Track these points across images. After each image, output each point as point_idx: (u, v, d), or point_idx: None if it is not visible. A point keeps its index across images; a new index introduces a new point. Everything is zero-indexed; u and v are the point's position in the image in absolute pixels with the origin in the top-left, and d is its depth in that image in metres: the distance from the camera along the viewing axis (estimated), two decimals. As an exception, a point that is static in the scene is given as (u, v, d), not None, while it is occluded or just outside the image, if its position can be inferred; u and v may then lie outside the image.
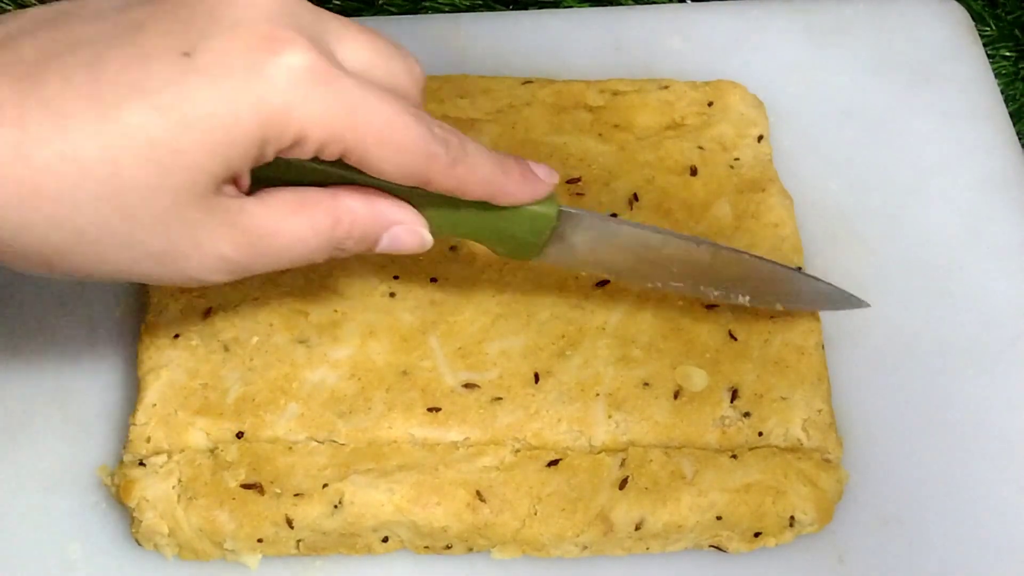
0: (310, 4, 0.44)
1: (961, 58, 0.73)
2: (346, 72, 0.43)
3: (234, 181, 0.44)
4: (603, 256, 0.53)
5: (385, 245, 0.48)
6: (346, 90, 0.42)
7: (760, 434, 0.55)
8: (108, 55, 0.40)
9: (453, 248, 0.60)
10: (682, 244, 0.54)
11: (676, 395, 0.56)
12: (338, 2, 0.79)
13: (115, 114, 0.40)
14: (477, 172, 0.47)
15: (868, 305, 0.58)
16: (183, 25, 0.41)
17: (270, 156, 0.43)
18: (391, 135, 0.43)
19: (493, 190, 0.48)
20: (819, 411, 0.56)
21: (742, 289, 0.56)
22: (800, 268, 0.60)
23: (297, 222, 0.45)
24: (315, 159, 0.44)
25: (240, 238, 0.44)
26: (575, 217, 0.52)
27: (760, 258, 0.56)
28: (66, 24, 0.42)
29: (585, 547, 0.54)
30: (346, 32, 0.45)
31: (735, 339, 0.57)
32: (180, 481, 0.53)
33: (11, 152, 0.39)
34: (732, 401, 0.56)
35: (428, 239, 0.49)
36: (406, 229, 0.48)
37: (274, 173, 0.45)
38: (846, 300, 0.58)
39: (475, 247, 0.60)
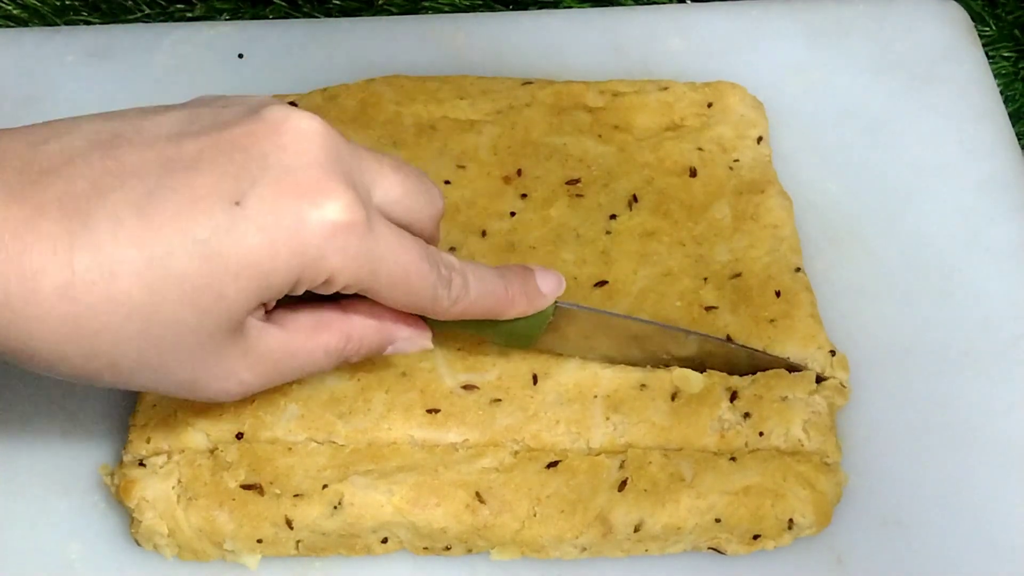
0: (350, 144, 0.46)
1: (961, 58, 0.73)
2: (377, 220, 0.45)
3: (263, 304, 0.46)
4: (595, 344, 0.56)
5: (388, 352, 0.51)
6: (375, 242, 0.45)
7: (761, 434, 0.55)
8: (159, 196, 0.41)
9: (452, 249, 0.60)
10: (671, 335, 0.56)
11: (673, 397, 0.56)
12: (338, 2, 0.79)
13: (163, 261, 0.41)
14: (476, 305, 0.50)
15: None
16: (235, 168, 0.42)
17: (300, 292, 0.45)
18: (404, 281, 0.46)
19: (494, 313, 0.51)
20: (819, 412, 0.56)
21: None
22: (799, 269, 0.60)
23: (312, 345, 0.48)
24: None
25: (259, 365, 0.46)
26: (570, 312, 0.54)
27: (745, 347, 0.57)
28: (119, 151, 0.42)
29: (584, 549, 0.54)
30: (380, 170, 0.47)
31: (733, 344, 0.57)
32: (180, 481, 0.53)
33: (58, 292, 0.40)
34: (731, 401, 0.56)
35: (429, 347, 0.51)
36: (409, 342, 0.51)
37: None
38: None
39: (475, 247, 0.60)
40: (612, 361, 0.56)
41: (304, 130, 0.44)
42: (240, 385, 0.46)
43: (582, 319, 0.54)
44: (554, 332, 0.54)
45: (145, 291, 0.41)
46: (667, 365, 0.56)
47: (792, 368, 0.57)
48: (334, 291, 0.46)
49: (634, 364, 0.57)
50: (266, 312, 0.47)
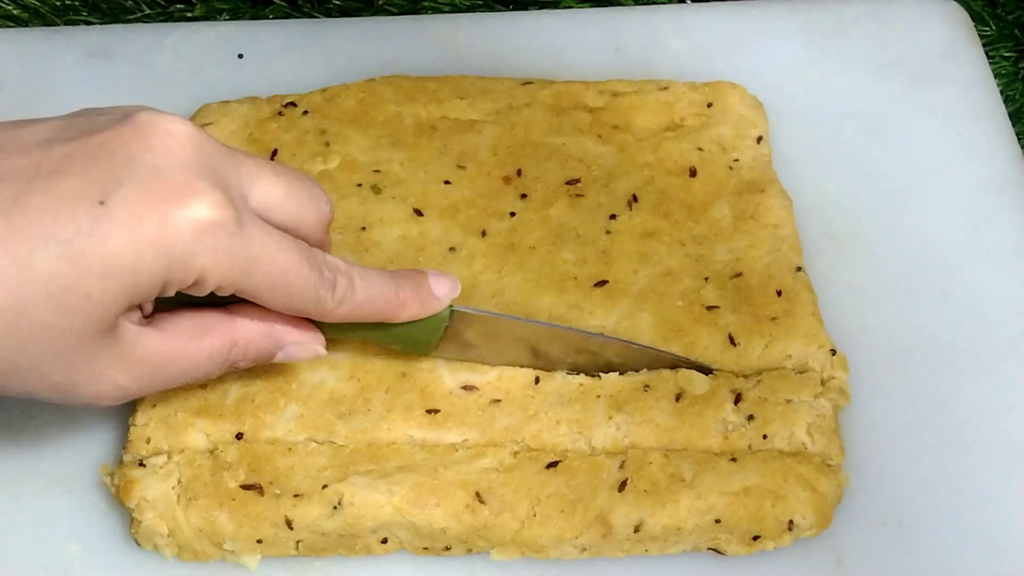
0: (225, 148, 0.46)
1: (961, 58, 0.73)
2: (251, 221, 0.45)
3: (138, 306, 0.45)
4: (496, 349, 0.55)
5: (279, 359, 0.51)
6: (247, 241, 0.45)
7: (764, 437, 0.55)
8: (25, 199, 0.42)
9: (452, 249, 0.60)
10: (573, 338, 0.56)
11: (678, 398, 0.56)
12: (338, 2, 0.79)
13: (27, 262, 0.41)
14: (364, 308, 0.50)
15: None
16: (101, 170, 0.43)
17: (171, 293, 0.45)
18: (283, 282, 0.46)
19: (384, 316, 0.51)
20: (823, 415, 0.56)
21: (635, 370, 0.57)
22: (799, 268, 0.60)
23: (194, 348, 0.47)
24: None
25: (135, 369, 0.46)
26: (468, 317, 0.53)
27: (648, 348, 0.56)
28: None
29: (584, 549, 0.54)
30: (259, 173, 0.47)
31: (735, 345, 0.57)
32: (180, 482, 0.53)
33: None
34: (736, 404, 0.56)
35: (322, 352, 0.51)
36: (300, 347, 0.51)
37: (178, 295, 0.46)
38: None
39: (475, 247, 0.60)
40: (514, 365, 0.56)
41: (172, 132, 0.44)
42: (117, 389, 0.46)
43: (481, 325, 0.54)
44: (455, 338, 0.54)
45: (9, 292, 0.41)
46: (571, 369, 0.56)
47: (702, 369, 0.57)
48: (207, 292, 0.45)
49: (538, 368, 0.56)
50: (145, 316, 0.47)
